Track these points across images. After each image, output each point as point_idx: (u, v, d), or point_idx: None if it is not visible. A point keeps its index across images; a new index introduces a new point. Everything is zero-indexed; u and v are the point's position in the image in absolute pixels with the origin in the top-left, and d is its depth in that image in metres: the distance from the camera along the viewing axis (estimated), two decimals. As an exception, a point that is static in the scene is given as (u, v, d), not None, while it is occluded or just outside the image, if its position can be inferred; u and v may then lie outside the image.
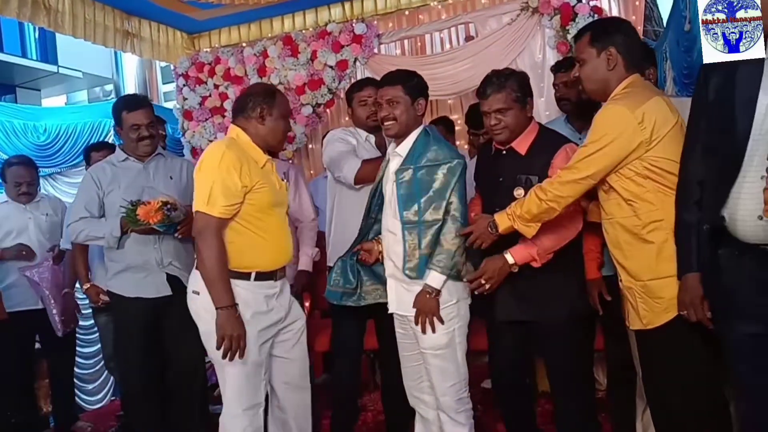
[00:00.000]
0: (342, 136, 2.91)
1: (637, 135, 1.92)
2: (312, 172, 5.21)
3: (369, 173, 2.67)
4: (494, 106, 2.29)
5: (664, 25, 3.81)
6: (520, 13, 4.26)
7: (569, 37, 4.02)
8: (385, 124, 2.40)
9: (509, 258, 2.25)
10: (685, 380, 1.96)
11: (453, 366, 2.36)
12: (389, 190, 2.43)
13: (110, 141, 6.29)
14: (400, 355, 2.54)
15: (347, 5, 4.96)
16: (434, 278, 2.29)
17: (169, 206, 2.66)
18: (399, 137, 2.41)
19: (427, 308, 2.30)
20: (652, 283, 1.98)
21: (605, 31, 2.08)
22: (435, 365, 2.36)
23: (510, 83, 2.29)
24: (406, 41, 4.96)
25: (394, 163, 2.43)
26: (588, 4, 4.00)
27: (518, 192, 2.27)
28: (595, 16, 3.92)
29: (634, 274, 2.02)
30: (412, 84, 2.40)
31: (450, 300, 2.33)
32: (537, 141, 2.34)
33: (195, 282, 2.26)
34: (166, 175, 2.94)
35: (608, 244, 2.13)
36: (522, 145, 2.33)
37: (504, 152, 2.38)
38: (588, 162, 1.99)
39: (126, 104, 2.89)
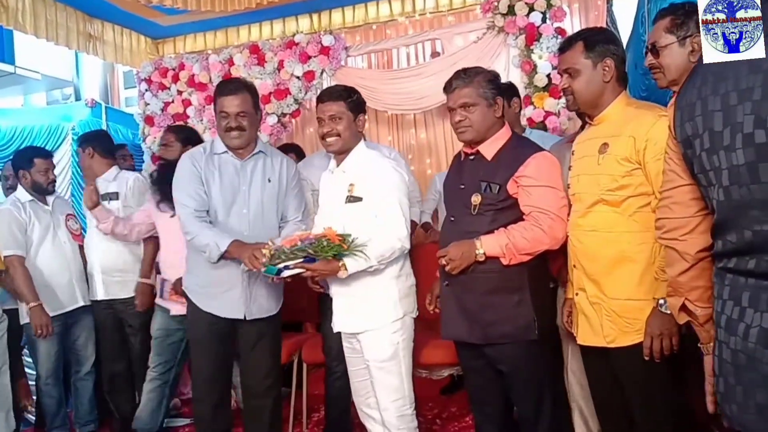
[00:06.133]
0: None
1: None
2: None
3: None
4: (459, 100, 2.16)
5: (624, 48, 3.91)
6: (486, 32, 4.31)
7: (533, 56, 4.10)
8: (328, 140, 2.36)
9: (478, 245, 2.08)
10: (665, 392, 1.90)
11: (397, 380, 2.29)
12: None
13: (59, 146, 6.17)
14: (349, 371, 2.49)
15: (315, 17, 4.98)
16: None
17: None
18: (341, 153, 2.38)
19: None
20: (629, 303, 1.87)
21: (599, 40, 1.96)
22: (379, 379, 2.31)
23: (479, 78, 2.17)
24: (373, 55, 5.00)
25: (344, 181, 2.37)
26: (552, 25, 4.09)
27: (475, 198, 2.14)
28: (559, 37, 4.01)
29: (609, 291, 1.91)
30: (353, 100, 2.37)
31: (396, 316, 2.29)
32: (506, 147, 2.18)
33: None
34: (264, 178, 2.60)
35: (576, 256, 2.00)
36: (489, 150, 2.18)
37: (472, 158, 2.23)
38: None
39: (220, 88, 2.58)
